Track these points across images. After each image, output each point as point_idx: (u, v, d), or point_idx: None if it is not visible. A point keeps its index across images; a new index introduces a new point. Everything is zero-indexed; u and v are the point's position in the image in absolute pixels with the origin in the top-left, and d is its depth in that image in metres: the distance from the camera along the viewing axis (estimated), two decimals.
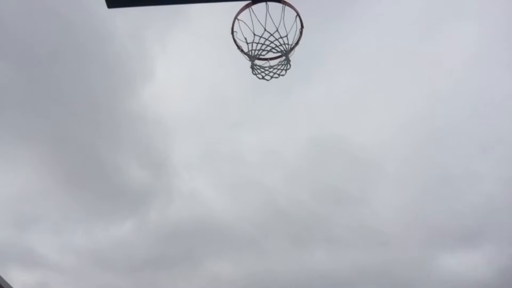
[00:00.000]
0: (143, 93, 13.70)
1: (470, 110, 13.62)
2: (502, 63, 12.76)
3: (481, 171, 13.81)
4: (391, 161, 14.69)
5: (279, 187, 15.32)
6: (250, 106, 14.60)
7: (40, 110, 12.59)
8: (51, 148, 13.45)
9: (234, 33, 3.97)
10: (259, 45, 3.99)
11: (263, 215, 15.36)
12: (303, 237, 15.71)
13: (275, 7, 3.86)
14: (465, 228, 14.36)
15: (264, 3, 3.84)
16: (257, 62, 4.11)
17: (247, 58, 4.06)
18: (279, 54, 4.08)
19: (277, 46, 3.99)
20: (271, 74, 4.13)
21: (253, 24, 3.89)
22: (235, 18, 3.92)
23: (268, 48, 4.03)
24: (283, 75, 4.13)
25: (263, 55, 4.08)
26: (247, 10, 3.88)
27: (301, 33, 3.95)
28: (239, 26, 3.92)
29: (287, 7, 3.86)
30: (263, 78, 4.15)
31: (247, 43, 3.98)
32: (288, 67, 4.08)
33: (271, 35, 3.91)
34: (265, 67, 4.11)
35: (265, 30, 3.89)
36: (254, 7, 3.86)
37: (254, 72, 4.12)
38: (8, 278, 8.04)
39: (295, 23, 3.92)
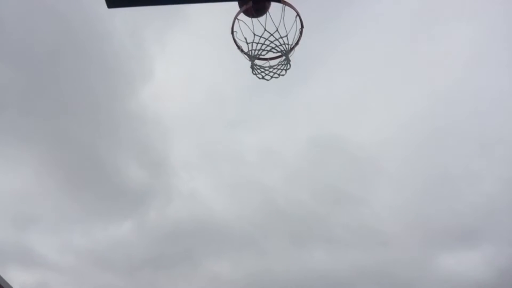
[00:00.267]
0: (142, 93, 13.71)
1: (470, 110, 13.62)
2: (502, 63, 12.76)
3: (481, 171, 13.83)
4: (391, 161, 14.69)
5: (279, 187, 15.33)
6: (249, 106, 14.60)
7: (39, 110, 12.59)
8: (50, 148, 13.45)
9: (234, 33, 3.96)
10: (259, 45, 3.98)
11: (263, 215, 15.37)
12: (302, 237, 15.72)
13: (275, 7, 3.85)
14: (465, 228, 14.37)
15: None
16: (257, 62, 4.09)
17: (247, 58, 4.04)
18: (279, 54, 4.07)
19: (277, 46, 3.98)
20: (271, 74, 4.12)
21: (253, 24, 3.88)
22: (235, 18, 3.91)
23: (268, 48, 4.02)
24: (283, 75, 4.12)
25: (263, 55, 4.06)
26: None
27: (301, 33, 3.94)
28: (239, 26, 3.92)
29: (287, 7, 3.85)
30: (263, 78, 4.14)
31: (247, 43, 3.97)
32: (288, 67, 4.07)
33: (271, 35, 3.89)
34: (265, 67, 4.10)
35: (265, 30, 3.88)
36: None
37: (254, 72, 4.10)
38: (7, 278, 8.03)
39: (295, 23, 3.91)
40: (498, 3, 11.55)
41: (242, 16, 3.90)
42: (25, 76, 11.72)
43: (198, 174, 15.43)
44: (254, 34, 3.90)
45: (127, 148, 14.38)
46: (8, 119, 12.06)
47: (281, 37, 3.91)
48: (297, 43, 3.99)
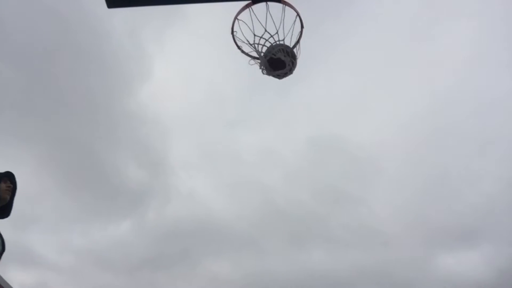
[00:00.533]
0: (141, 93, 13.70)
1: (470, 110, 13.62)
2: (502, 63, 12.76)
3: (481, 171, 13.83)
4: (391, 161, 14.69)
5: (278, 187, 15.32)
6: (249, 105, 14.60)
7: (38, 110, 12.55)
8: (49, 148, 13.41)
9: (234, 33, 3.94)
10: (260, 46, 3.97)
11: (262, 214, 15.36)
12: (302, 237, 15.70)
13: (275, 7, 3.84)
14: (465, 228, 14.37)
15: (264, 3, 3.82)
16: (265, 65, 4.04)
17: (257, 56, 4.00)
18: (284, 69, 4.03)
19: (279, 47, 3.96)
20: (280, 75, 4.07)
21: (253, 24, 3.86)
22: (235, 18, 3.89)
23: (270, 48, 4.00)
24: (291, 73, 4.08)
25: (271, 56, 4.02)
26: (247, 10, 3.86)
27: (301, 33, 3.93)
28: (239, 26, 3.90)
29: (287, 7, 3.84)
30: (277, 76, 4.09)
31: (249, 44, 3.95)
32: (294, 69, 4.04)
33: (271, 36, 3.88)
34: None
35: (265, 30, 3.87)
36: (254, 7, 3.84)
37: (264, 72, 4.05)
38: (7, 278, 8.01)
39: (295, 23, 3.89)
40: (498, 3, 11.55)
41: (242, 16, 3.89)
42: (24, 76, 11.70)
43: (197, 174, 15.44)
44: (254, 34, 3.89)
45: (126, 148, 14.37)
46: (8, 119, 12.04)
47: (282, 39, 3.90)
48: (297, 43, 3.98)
